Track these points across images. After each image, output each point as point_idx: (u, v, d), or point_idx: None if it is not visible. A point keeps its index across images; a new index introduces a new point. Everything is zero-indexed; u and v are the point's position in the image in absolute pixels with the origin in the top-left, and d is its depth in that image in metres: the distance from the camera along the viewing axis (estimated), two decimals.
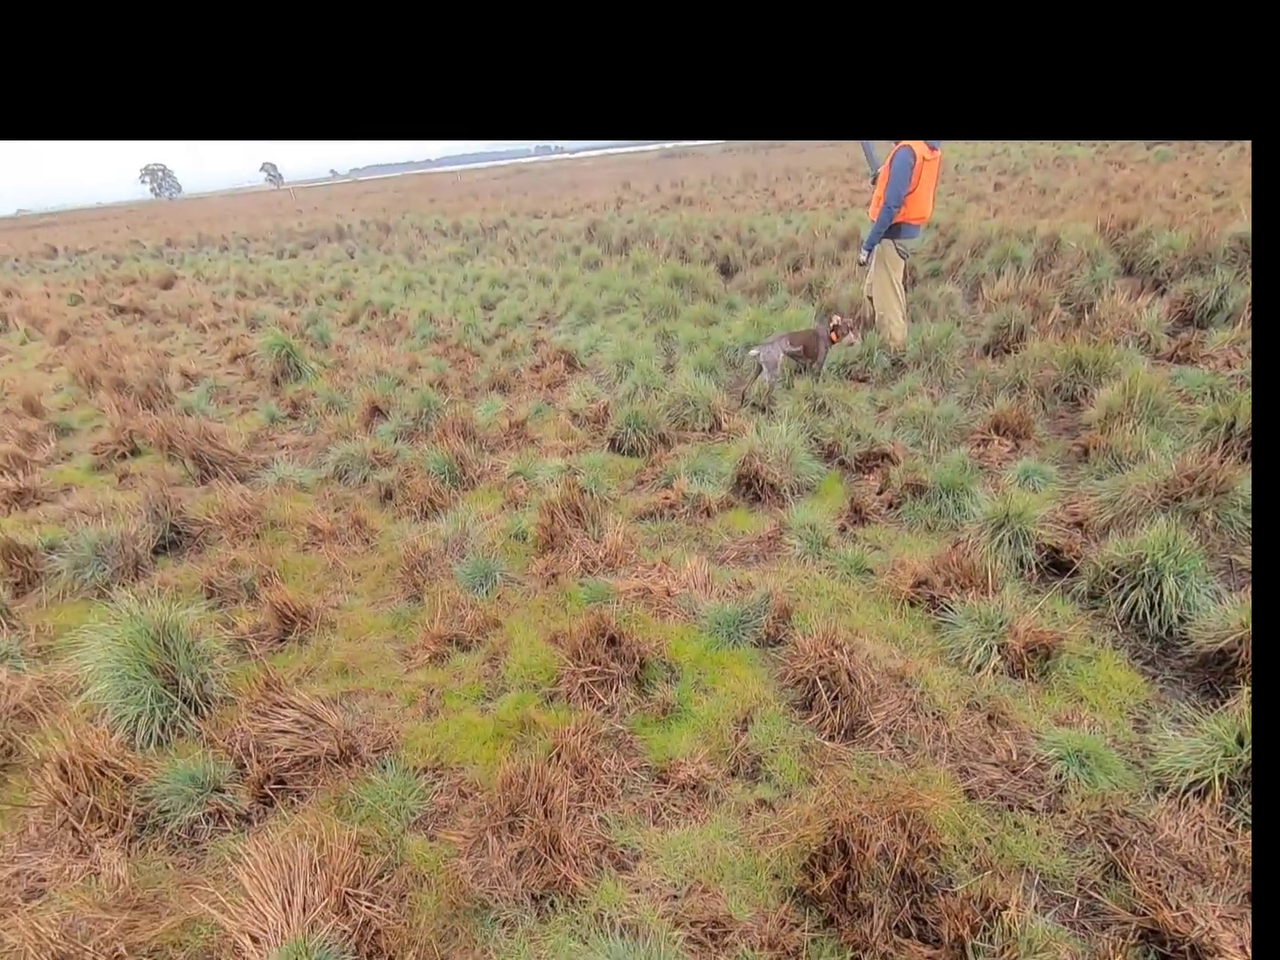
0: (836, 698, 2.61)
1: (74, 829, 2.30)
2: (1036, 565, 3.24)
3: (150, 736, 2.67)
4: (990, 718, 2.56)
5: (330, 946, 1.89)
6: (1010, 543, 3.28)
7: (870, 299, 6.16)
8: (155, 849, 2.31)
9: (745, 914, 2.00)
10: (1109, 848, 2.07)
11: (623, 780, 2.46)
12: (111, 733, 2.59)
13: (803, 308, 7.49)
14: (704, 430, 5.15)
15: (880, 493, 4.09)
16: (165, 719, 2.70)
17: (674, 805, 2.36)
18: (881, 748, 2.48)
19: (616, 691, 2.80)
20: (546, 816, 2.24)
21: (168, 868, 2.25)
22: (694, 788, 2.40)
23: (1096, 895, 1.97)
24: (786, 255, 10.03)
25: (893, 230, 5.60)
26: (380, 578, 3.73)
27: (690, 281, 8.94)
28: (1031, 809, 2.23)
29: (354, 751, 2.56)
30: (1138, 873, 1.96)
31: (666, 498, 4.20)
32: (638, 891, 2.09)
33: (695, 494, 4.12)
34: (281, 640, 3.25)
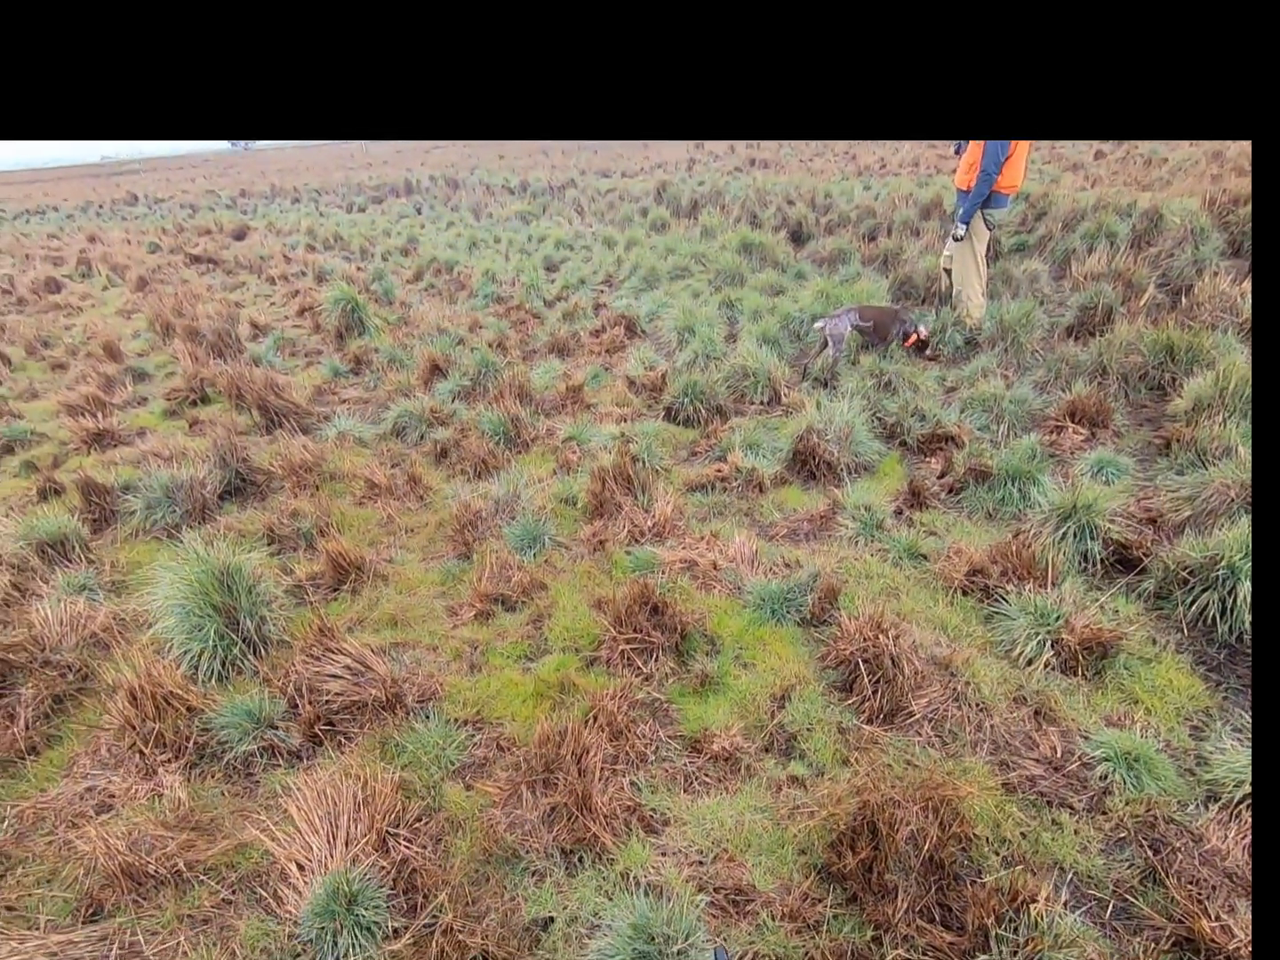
0: (878, 682, 2.58)
1: (141, 752, 2.49)
2: (1102, 560, 3.10)
3: (212, 672, 2.84)
4: (1037, 713, 2.49)
5: (369, 879, 2.01)
6: (1075, 536, 3.15)
7: (947, 272, 5.90)
8: (213, 777, 2.48)
9: (768, 885, 2.03)
10: (1150, 853, 2.01)
11: (657, 747, 2.50)
12: (177, 666, 2.78)
13: (875, 280, 7.25)
14: (762, 403, 5.08)
15: (941, 477, 3.97)
16: (226, 656, 2.87)
17: (706, 775, 2.39)
18: (920, 735, 2.45)
19: (656, 660, 2.83)
20: (580, 775, 2.30)
21: (223, 795, 2.42)
22: (727, 759, 2.42)
23: (1132, 899, 1.92)
24: (863, 223, 9.68)
25: (984, 199, 5.33)
26: (432, 534, 3.85)
27: (759, 248, 8.74)
28: (1071, 808, 2.17)
29: (399, 700, 2.67)
30: (1178, 880, 1.91)
31: (719, 470, 4.18)
32: (664, 855, 2.14)
33: (749, 468, 4.08)
34: (336, 589, 3.40)
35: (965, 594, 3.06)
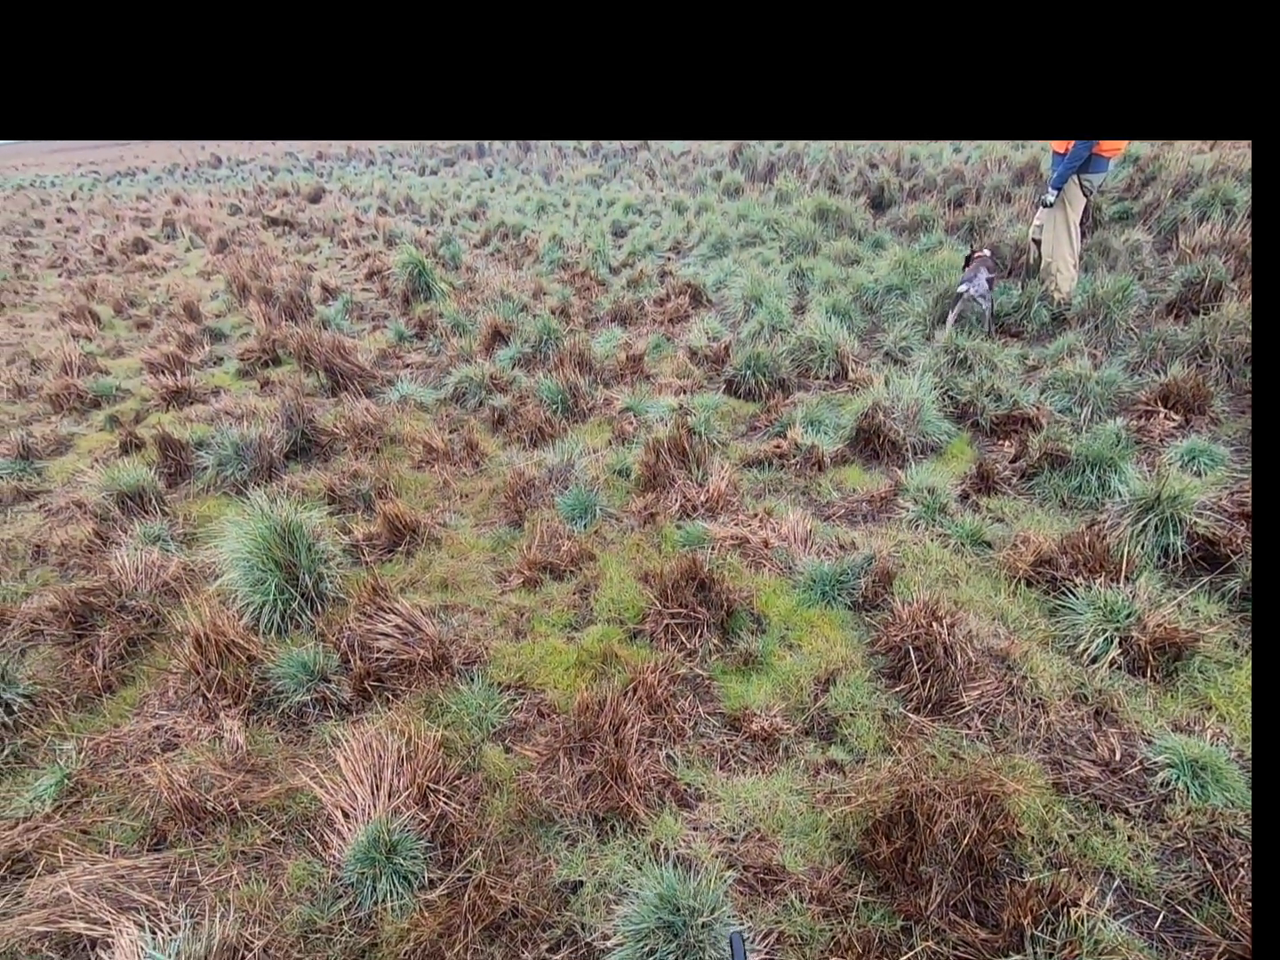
0: (928, 670, 2.49)
1: (204, 696, 2.63)
2: (1185, 556, 2.89)
3: (271, 624, 2.97)
4: (1097, 713, 2.36)
5: (409, 830, 2.07)
6: (1157, 529, 2.94)
7: (1036, 242, 5.53)
8: (269, 724, 2.60)
9: (799, 867, 2.00)
10: (1209, 865, 1.89)
11: (695, 723, 2.49)
12: (240, 616, 2.92)
13: (957, 249, 6.87)
14: (828, 378, 4.91)
15: (1014, 461, 3.76)
16: (285, 610, 2.99)
17: (743, 753, 2.36)
18: (969, 728, 2.35)
19: (700, 636, 2.80)
20: (617, 746, 2.31)
21: (278, 741, 2.54)
22: (765, 740, 2.39)
23: (1185, 912, 1.81)
24: (949, 189, 9.18)
25: (1082, 163, 4.94)
26: (486, 501, 3.90)
27: (836, 215, 8.41)
28: (1127, 813, 2.05)
29: (446, 661, 2.73)
30: (1238, 896, 1.78)
31: (778, 446, 4.07)
32: (696, 829, 2.13)
33: (809, 445, 3.96)
34: (390, 551, 3.49)
35: (1030, 585, 2.90)
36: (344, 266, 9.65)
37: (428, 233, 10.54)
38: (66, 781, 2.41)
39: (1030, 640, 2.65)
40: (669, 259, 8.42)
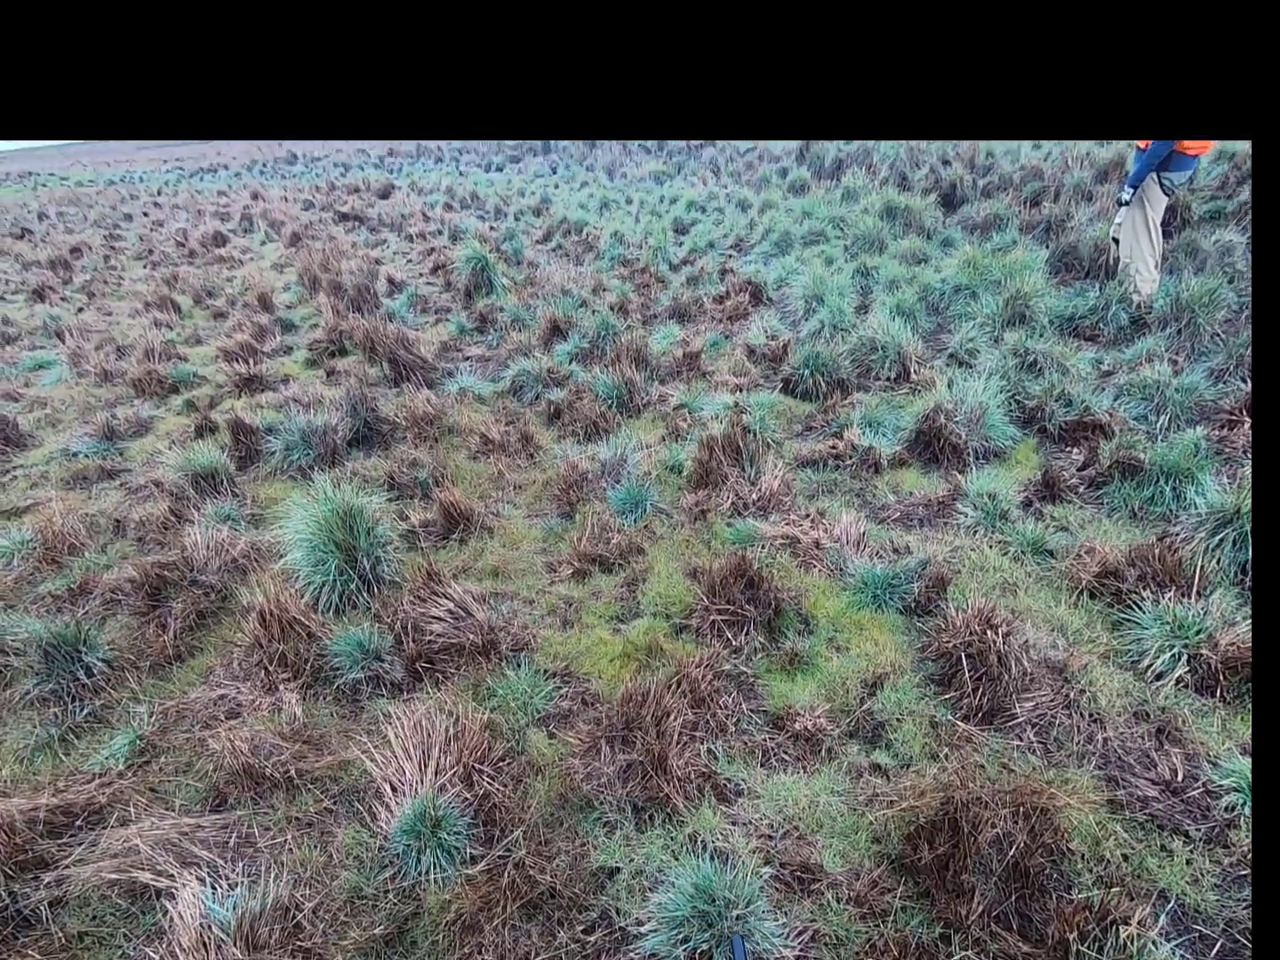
0: (980, 679, 2.42)
1: (266, 669, 2.75)
2: None
3: (330, 604, 3.08)
4: (1160, 731, 2.25)
5: (453, 807, 2.13)
6: (1235, 544, 2.78)
7: (1116, 242, 5.29)
8: (324, 698, 2.70)
9: (837, 867, 1.97)
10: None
11: (738, 719, 2.47)
12: (301, 595, 3.03)
13: (1033, 249, 6.63)
14: (889, 379, 4.81)
15: (1083, 469, 3.62)
16: (344, 591, 3.10)
17: (785, 752, 2.34)
18: (1021, 739, 2.28)
19: (747, 634, 2.79)
20: (659, 737, 2.32)
21: (332, 715, 2.63)
22: (808, 739, 2.36)
23: (1245, 941, 1.72)
24: (1026, 186, 8.86)
25: (1162, 161, 4.70)
26: (539, 492, 3.96)
27: (905, 212, 8.22)
28: (1187, 836, 1.96)
29: (495, 646, 2.79)
30: None
31: (834, 447, 4.01)
32: (734, 824, 2.13)
33: (865, 446, 3.89)
34: (445, 537, 3.57)
35: (1093, 596, 2.79)
36: (410, 260, 9.91)
37: (491, 228, 10.74)
38: (139, 742, 2.56)
39: (1091, 653, 2.55)
40: (730, 256, 8.36)
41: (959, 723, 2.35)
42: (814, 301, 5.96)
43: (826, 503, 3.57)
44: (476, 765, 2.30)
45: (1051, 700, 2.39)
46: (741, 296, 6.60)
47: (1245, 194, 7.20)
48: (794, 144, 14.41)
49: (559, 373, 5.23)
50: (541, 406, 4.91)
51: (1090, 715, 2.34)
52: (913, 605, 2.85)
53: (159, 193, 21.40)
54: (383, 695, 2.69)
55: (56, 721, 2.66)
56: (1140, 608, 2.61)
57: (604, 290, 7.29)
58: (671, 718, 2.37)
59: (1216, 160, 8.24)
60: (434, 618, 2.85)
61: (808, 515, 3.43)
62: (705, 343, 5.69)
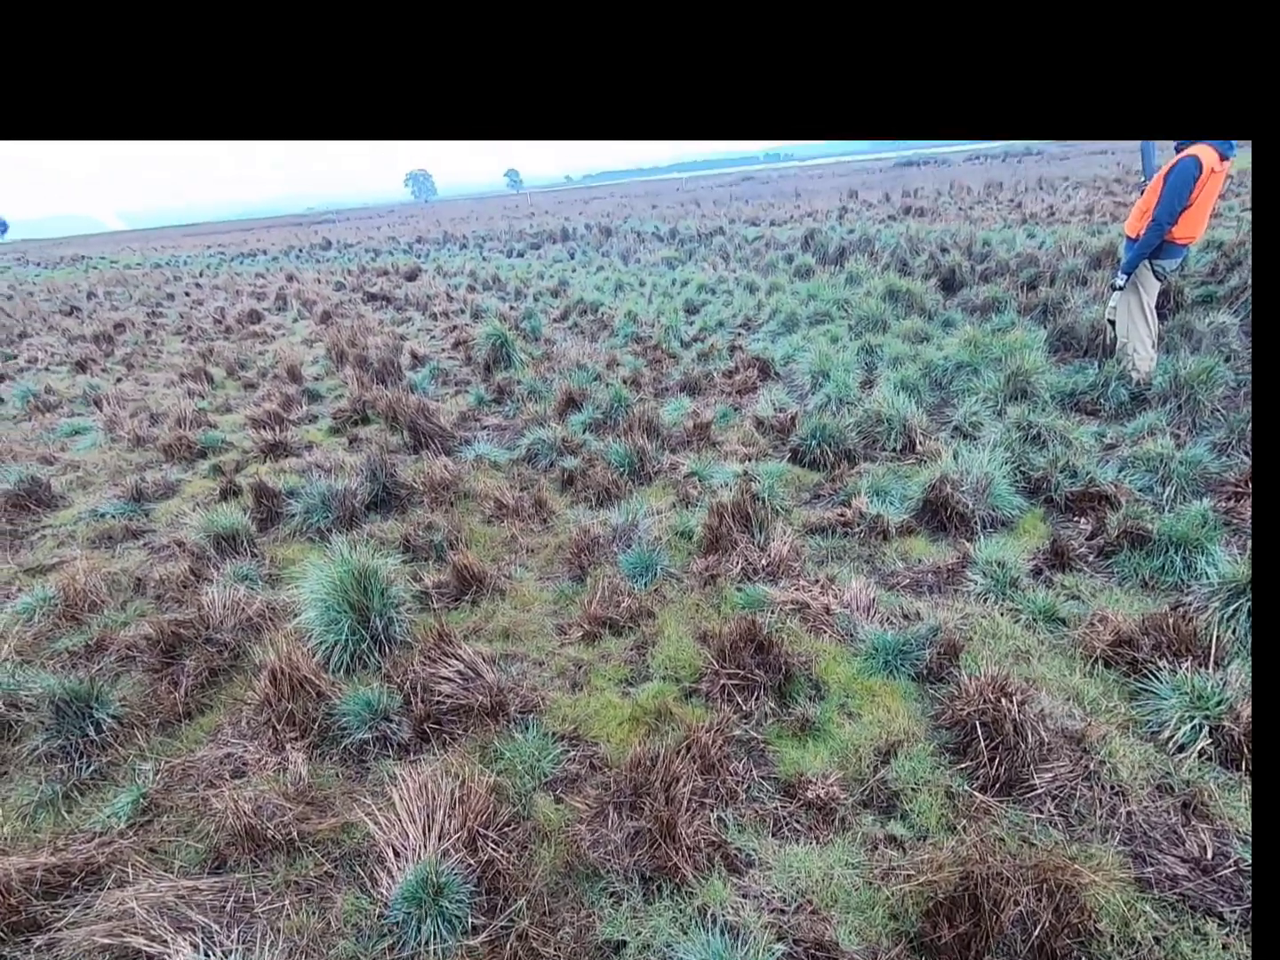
0: (996, 748, 2.38)
1: (274, 728, 2.73)
2: None
3: (341, 663, 3.08)
4: (1185, 806, 2.19)
5: (456, 874, 2.08)
6: (1249, 613, 2.76)
7: (1111, 324, 5.46)
8: (331, 758, 2.67)
9: (853, 944, 1.90)
10: None
11: (748, 786, 2.43)
12: (313, 654, 3.04)
13: (1031, 329, 6.83)
14: (894, 450, 4.89)
15: (1091, 538, 3.63)
16: (355, 650, 3.11)
17: (797, 821, 2.29)
18: (1041, 812, 2.22)
19: (757, 699, 2.77)
20: (668, 804, 2.28)
21: (338, 776, 2.60)
22: (821, 809, 2.31)
23: None
24: (1022, 272, 9.17)
25: (1154, 250, 4.92)
26: (551, 556, 4.00)
27: (906, 295, 8.51)
28: (1221, 918, 1.88)
29: (503, 708, 2.77)
30: None
31: (842, 514, 4.05)
32: (745, 896, 2.06)
33: (874, 514, 3.93)
34: (458, 599, 3.60)
35: (1108, 665, 2.76)
36: (433, 337, 10.26)
37: (511, 308, 11.16)
38: (142, 800, 2.53)
39: (1109, 723, 2.50)
40: (739, 334, 8.63)
41: (976, 793, 2.30)
42: (820, 377, 6.12)
43: (836, 569, 3.59)
44: (481, 830, 2.26)
45: (1071, 771, 2.34)
46: (750, 372, 6.79)
47: (1235, 279, 7.43)
48: (799, 232, 15.05)
49: (573, 441, 5.34)
50: (555, 473, 5.01)
51: (1112, 788, 2.28)
52: (925, 672, 2.82)
53: (200, 274, 22.51)
54: (389, 756, 2.66)
55: (62, 778, 2.64)
56: (1157, 678, 2.58)
57: (617, 365, 7.51)
58: (681, 784, 2.33)
59: (1205, 249, 8.54)
60: (444, 678, 2.85)
61: (817, 581, 3.44)
62: (715, 414, 5.82)
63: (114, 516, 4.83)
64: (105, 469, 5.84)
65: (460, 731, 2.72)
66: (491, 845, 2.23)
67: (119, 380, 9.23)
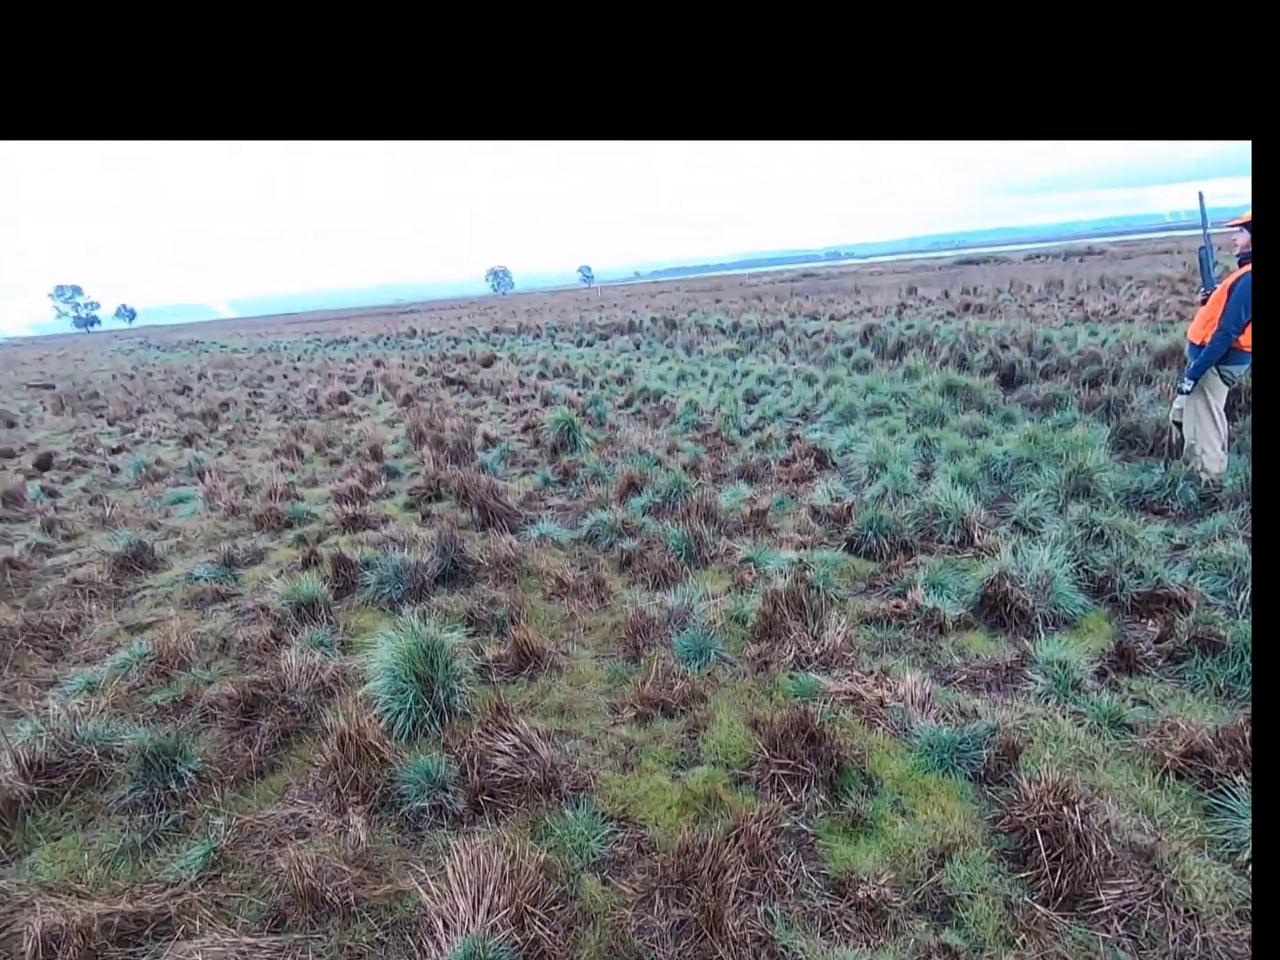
0: (1058, 858, 2.30)
1: (338, 791, 2.85)
2: None
3: (404, 731, 3.20)
4: None
5: (503, 950, 2.11)
6: None
7: (1177, 424, 5.40)
8: (388, 824, 2.76)
9: None
10: None
11: (797, 881, 2.40)
12: (379, 721, 3.18)
13: (1094, 427, 6.77)
14: (952, 543, 4.87)
15: (1159, 641, 3.52)
16: (418, 719, 3.24)
17: (846, 922, 2.25)
18: (1108, 931, 2.13)
19: (808, 790, 2.75)
20: (715, 894, 2.28)
21: (394, 843, 2.68)
22: (872, 910, 2.27)
23: None
24: (1084, 369, 9.14)
25: (1221, 357, 4.94)
26: (607, 635, 4.09)
27: (964, 390, 8.57)
28: None
29: (555, 785, 2.83)
30: None
31: (897, 606, 4.05)
32: None
33: (930, 607, 3.91)
34: (516, 673, 3.71)
35: (1180, 777, 2.65)
36: (504, 420, 10.79)
37: (579, 394, 11.67)
38: (213, 854, 2.66)
39: (1182, 840, 2.39)
40: (797, 424, 8.79)
41: (1036, 905, 2.22)
42: (877, 468, 6.19)
43: (890, 661, 3.57)
44: (529, 907, 2.29)
45: (1140, 889, 2.24)
46: (807, 461, 6.90)
47: None
48: (858, 327, 15.37)
49: (632, 524, 5.51)
50: (615, 554, 5.16)
51: (1186, 911, 2.17)
52: (982, 773, 2.77)
53: (298, 359, 24.50)
54: (443, 826, 2.73)
55: (143, 828, 2.80)
56: (1234, 794, 2.47)
57: (678, 451, 7.74)
58: (729, 874, 2.34)
59: None
60: (499, 751, 2.93)
61: (871, 672, 3.43)
62: (772, 502, 5.92)
63: (206, 580, 5.18)
64: (202, 535, 6.29)
65: (513, 805, 2.78)
66: (539, 924, 2.26)
67: (220, 454, 10.02)
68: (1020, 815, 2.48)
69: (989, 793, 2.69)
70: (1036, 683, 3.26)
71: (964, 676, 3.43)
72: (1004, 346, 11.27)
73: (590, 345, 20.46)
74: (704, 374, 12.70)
